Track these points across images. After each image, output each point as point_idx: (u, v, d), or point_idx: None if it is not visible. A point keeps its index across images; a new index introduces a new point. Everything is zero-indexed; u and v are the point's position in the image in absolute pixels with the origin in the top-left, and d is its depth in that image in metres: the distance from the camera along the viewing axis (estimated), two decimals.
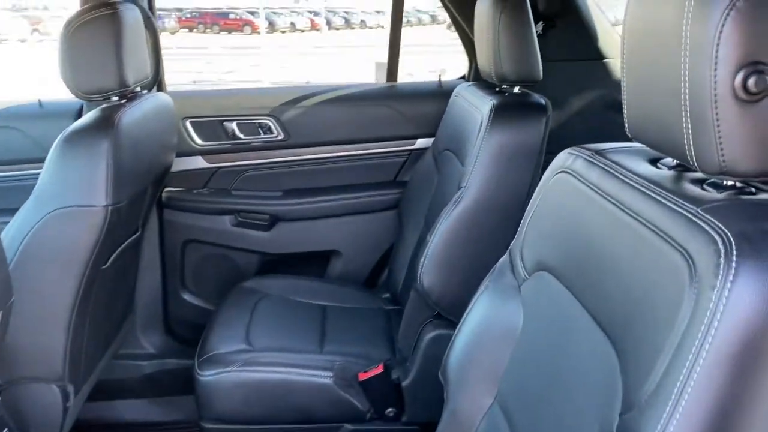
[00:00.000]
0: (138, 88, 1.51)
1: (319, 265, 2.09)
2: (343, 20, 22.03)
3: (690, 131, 0.69)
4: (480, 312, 1.07)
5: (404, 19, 2.11)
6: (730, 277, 0.58)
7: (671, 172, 0.82)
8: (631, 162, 0.87)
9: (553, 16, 1.96)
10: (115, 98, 1.44)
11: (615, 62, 2.04)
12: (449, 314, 1.49)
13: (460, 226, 1.45)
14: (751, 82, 0.64)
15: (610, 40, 2.05)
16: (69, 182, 1.30)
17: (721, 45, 0.65)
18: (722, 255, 0.60)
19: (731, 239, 0.60)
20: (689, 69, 0.68)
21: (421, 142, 2.05)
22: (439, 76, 2.08)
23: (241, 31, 19.57)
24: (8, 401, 1.35)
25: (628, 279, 0.73)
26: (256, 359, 1.53)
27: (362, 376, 1.52)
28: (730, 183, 0.72)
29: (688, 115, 0.69)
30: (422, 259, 1.48)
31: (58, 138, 1.33)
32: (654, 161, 0.87)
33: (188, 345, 1.92)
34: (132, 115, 1.42)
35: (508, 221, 1.45)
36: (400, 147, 2.07)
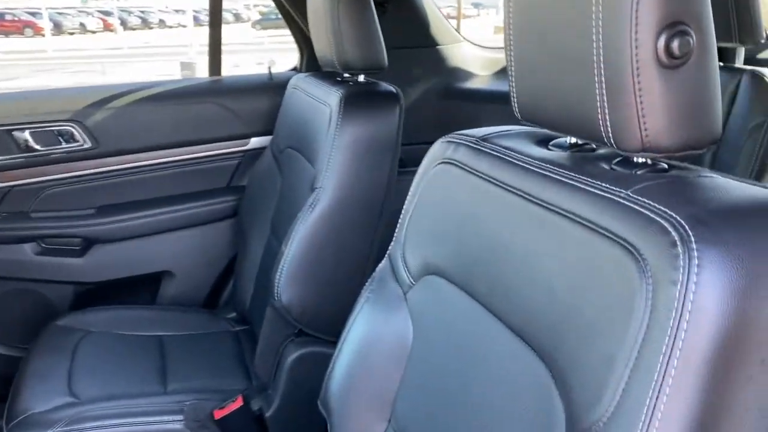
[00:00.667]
0: None
1: (148, 289, 1.83)
2: (140, 20, 20.75)
3: (606, 105, 0.61)
4: (362, 328, 0.93)
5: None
6: (695, 269, 0.50)
7: (568, 154, 0.74)
8: (523, 146, 0.78)
9: (383, 0, 1.88)
10: None
11: (449, 48, 2.00)
12: (314, 330, 1.34)
13: (318, 232, 1.30)
14: (675, 44, 0.57)
15: (442, 27, 2.01)
16: None
17: (642, 3, 0.56)
18: (678, 243, 0.51)
19: (683, 224, 0.52)
20: (603, 33, 0.59)
21: (255, 142, 1.86)
22: (269, 67, 1.90)
23: (22, 33, 17.75)
24: None
25: (550, 280, 0.63)
26: (85, 414, 1.26)
27: (218, 414, 1.32)
28: (641, 161, 0.65)
29: (603, 86, 0.60)
30: (278, 272, 1.30)
31: None
32: (543, 143, 0.79)
33: None
34: None
35: (370, 221, 1.33)
36: (231, 148, 1.86)
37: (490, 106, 1.94)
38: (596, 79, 0.60)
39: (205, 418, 1.32)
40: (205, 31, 1.95)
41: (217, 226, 1.84)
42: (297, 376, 1.33)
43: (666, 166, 0.65)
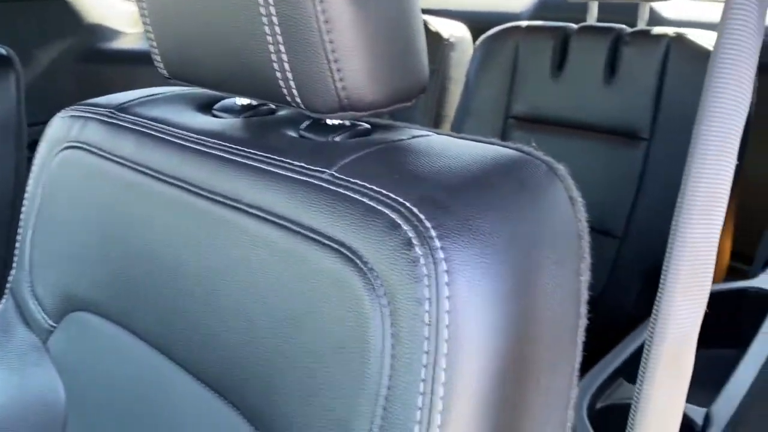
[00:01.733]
0: None
1: None
2: None
3: (282, 50, 0.43)
4: None
5: None
6: (444, 278, 0.35)
7: (241, 120, 0.55)
8: (178, 115, 0.57)
9: None
10: None
11: (80, 1, 1.64)
12: None
13: None
14: None
15: None
16: None
17: None
18: (415, 242, 0.36)
19: (416, 212, 0.37)
20: None
21: None
22: None
23: None
24: None
25: (246, 310, 0.44)
26: None
27: None
28: (337, 122, 0.49)
29: (275, 23, 0.42)
30: None
31: None
32: (206, 108, 0.58)
33: None
34: None
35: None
36: None
37: (146, 69, 1.64)
38: (263, 11, 0.42)
39: None
40: None
41: None
42: None
43: (368, 125, 0.50)
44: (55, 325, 0.61)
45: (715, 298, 0.75)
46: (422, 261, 0.35)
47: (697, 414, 0.61)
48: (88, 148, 0.58)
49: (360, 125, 0.49)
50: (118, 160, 0.55)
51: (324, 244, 0.39)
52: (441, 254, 0.35)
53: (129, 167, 0.54)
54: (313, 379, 0.39)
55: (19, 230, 0.64)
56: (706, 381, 0.67)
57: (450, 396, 0.34)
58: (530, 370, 0.36)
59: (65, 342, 0.60)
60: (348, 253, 0.37)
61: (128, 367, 0.55)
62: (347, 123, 0.49)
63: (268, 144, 0.48)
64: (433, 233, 0.35)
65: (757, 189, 1.38)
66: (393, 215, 0.37)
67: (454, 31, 1.61)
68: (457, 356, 0.34)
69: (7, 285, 0.65)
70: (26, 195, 0.64)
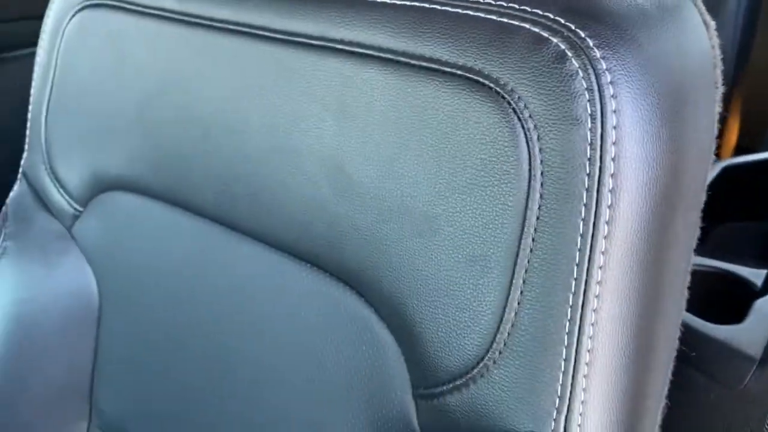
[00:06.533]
0: None
1: None
2: None
3: None
4: (4, 299, 0.58)
5: None
6: (609, 90, 0.31)
7: None
8: None
9: None
10: None
11: None
12: None
13: None
14: None
15: None
16: None
17: None
18: (569, 53, 0.31)
19: (568, 23, 0.32)
20: None
21: None
22: None
23: None
24: None
25: (341, 164, 0.39)
26: None
27: None
28: None
29: None
30: None
31: None
32: None
33: None
34: None
35: None
36: None
37: None
38: None
39: None
40: None
41: None
42: None
43: None
44: (81, 209, 0.55)
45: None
46: (580, 74, 0.31)
47: (757, 276, 0.60)
48: (112, 3, 0.50)
49: None
50: (155, 12, 0.48)
51: (444, 72, 0.34)
52: (603, 64, 0.30)
53: (169, 18, 0.47)
54: (438, 225, 0.35)
55: (30, 108, 0.57)
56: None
57: (616, 219, 0.30)
58: (679, 204, 0.33)
59: (95, 226, 0.55)
60: (478, 78, 0.33)
61: (177, 246, 0.50)
62: None
63: None
64: (590, 42, 0.31)
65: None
66: (536, 29, 0.32)
67: None
68: (623, 176, 0.30)
69: (21, 171, 0.59)
70: (36, 69, 0.56)
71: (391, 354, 0.37)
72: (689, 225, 0.34)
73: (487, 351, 0.33)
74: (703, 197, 0.37)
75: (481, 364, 0.33)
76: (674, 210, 0.33)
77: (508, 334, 0.33)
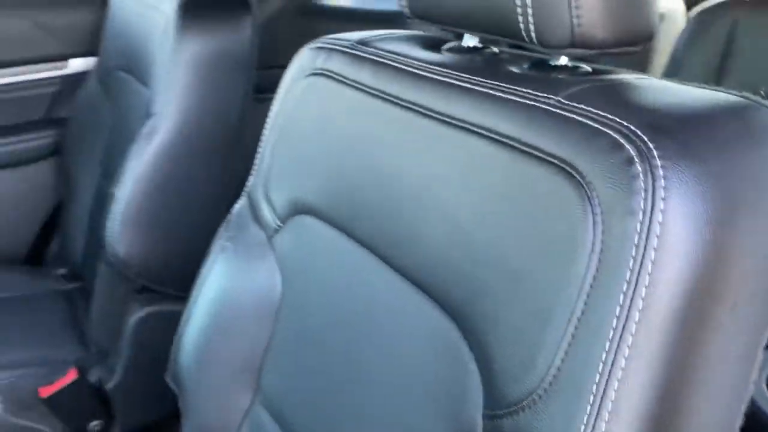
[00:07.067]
0: None
1: None
2: None
3: None
4: (216, 285, 0.76)
5: None
6: (660, 193, 0.38)
7: (469, 57, 0.60)
8: (412, 50, 0.63)
9: None
10: None
11: None
12: (160, 285, 1.14)
13: (158, 167, 1.08)
14: None
15: None
16: None
17: None
18: (636, 160, 0.39)
19: (641, 135, 0.40)
20: None
21: (76, 64, 1.56)
22: None
23: None
24: None
25: (457, 215, 0.49)
26: None
27: (45, 392, 1.10)
28: (561, 63, 0.53)
29: None
30: (111, 221, 1.08)
31: None
32: (435, 47, 0.64)
33: None
34: None
35: (222, 153, 1.14)
36: (47, 73, 1.54)
37: (357, 26, 1.75)
38: None
39: (29, 397, 1.09)
40: None
41: (35, 166, 1.54)
42: (142, 339, 1.13)
43: (589, 69, 0.52)
44: (281, 225, 0.71)
45: None
46: (641, 176, 0.38)
47: None
48: (330, 74, 0.66)
49: (582, 67, 0.52)
50: (357, 85, 0.62)
51: (544, 160, 0.43)
52: (660, 172, 0.37)
53: (366, 92, 0.61)
54: (516, 277, 0.43)
55: (260, 143, 0.74)
56: None
57: (651, 297, 0.37)
58: (725, 294, 0.38)
59: (288, 241, 0.70)
60: (567, 168, 0.41)
61: (341, 267, 0.63)
62: (569, 64, 0.52)
63: (494, 75, 0.52)
64: (655, 153, 0.38)
65: None
66: (616, 136, 0.40)
67: (667, 1, 1.55)
68: (662, 263, 0.37)
69: (245, 190, 0.76)
70: (270, 114, 0.74)
71: (473, 377, 0.46)
72: (740, 319, 0.39)
73: (537, 386, 0.41)
74: None
75: (531, 396, 0.41)
76: (715, 302, 0.38)
77: (554, 375, 0.40)
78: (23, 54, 1.51)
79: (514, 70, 0.54)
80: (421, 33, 0.69)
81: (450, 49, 0.62)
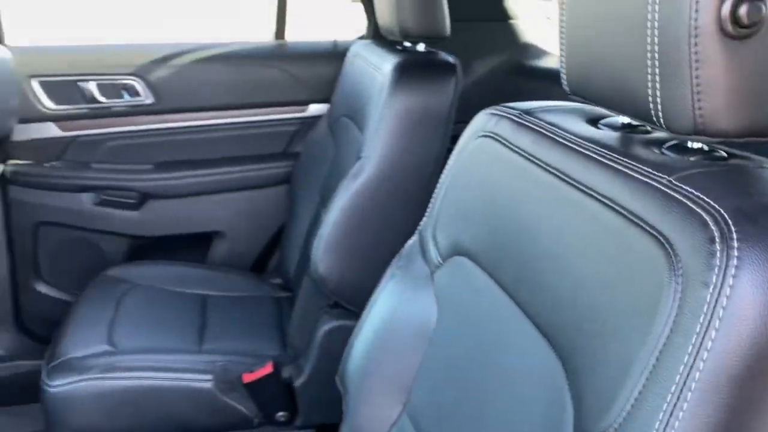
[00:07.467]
0: None
1: (199, 248, 1.84)
2: None
3: (657, 79, 0.53)
4: (384, 307, 0.88)
5: None
6: (732, 270, 0.42)
7: (618, 134, 0.66)
8: (569, 123, 0.71)
9: None
10: None
11: (520, 23, 1.91)
12: (350, 303, 1.30)
13: (360, 202, 1.25)
14: (742, 11, 0.49)
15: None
16: None
17: None
18: (717, 239, 0.44)
19: (727, 218, 0.45)
20: None
21: (314, 109, 1.84)
22: (335, 36, 1.86)
23: None
24: None
25: (577, 272, 0.56)
26: (119, 363, 1.28)
27: (247, 378, 1.31)
28: (697, 146, 0.57)
29: (656, 57, 0.53)
30: (316, 242, 1.27)
31: None
32: (594, 121, 0.71)
33: (46, 344, 1.64)
34: None
35: (415, 196, 1.28)
36: (290, 114, 1.84)
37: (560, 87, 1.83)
38: (648, 47, 0.53)
39: (235, 380, 1.32)
40: None
41: (270, 190, 1.83)
42: (328, 348, 1.30)
43: (725, 154, 0.57)
44: (442, 262, 0.82)
45: None
46: (718, 254, 0.43)
47: None
48: (496, 138, 0.76)
49: (718, 151, 0.57)
50: (515, 149, 0.72)
51: (647, 231, 0.49)
52: (735, 252, 0.42)
53: (522, 156, 0.70)
54: (611, 329, 0.49)
55: (436, 189, 0.87)
56: None
57: (711, 361, 0.41)
58: None
59: (446, 277, 0.81)
60: (662, 240, 0.47)
61: (484, 307, 0.72)
62: (705, 147, 0.57)
63: (630, 153, 0.59)
64: (734, 236, 0.43)
65: None
66: (707, 217, 0.45)
67: None
68: (725, 331, 0.41)
69: (418, 228, 0.89)
70: (447, 165, 0.86)
71: (568, 400, 0.53)
72: None
73: (610, 425, 0.47)
74: None
75: (610, 428, 0.47)
76: None
77: (624, 418, 0.46)
78: (274, 97, 1.83)
79: (653, 149, 0.60)
80: (585, 105, 0.76)
81: (606, 124, 0.69)
